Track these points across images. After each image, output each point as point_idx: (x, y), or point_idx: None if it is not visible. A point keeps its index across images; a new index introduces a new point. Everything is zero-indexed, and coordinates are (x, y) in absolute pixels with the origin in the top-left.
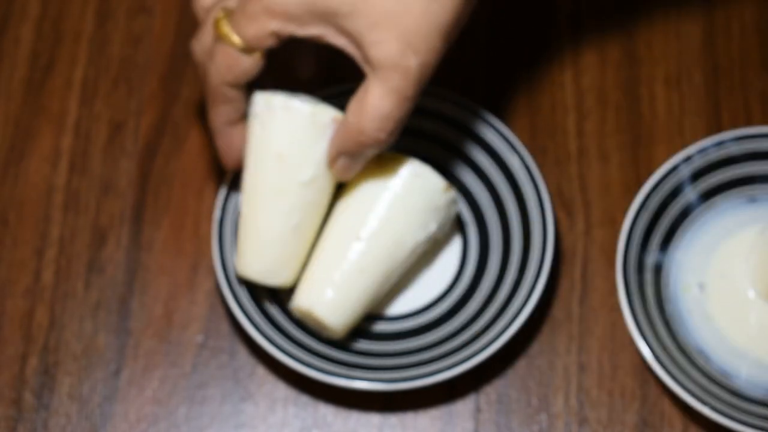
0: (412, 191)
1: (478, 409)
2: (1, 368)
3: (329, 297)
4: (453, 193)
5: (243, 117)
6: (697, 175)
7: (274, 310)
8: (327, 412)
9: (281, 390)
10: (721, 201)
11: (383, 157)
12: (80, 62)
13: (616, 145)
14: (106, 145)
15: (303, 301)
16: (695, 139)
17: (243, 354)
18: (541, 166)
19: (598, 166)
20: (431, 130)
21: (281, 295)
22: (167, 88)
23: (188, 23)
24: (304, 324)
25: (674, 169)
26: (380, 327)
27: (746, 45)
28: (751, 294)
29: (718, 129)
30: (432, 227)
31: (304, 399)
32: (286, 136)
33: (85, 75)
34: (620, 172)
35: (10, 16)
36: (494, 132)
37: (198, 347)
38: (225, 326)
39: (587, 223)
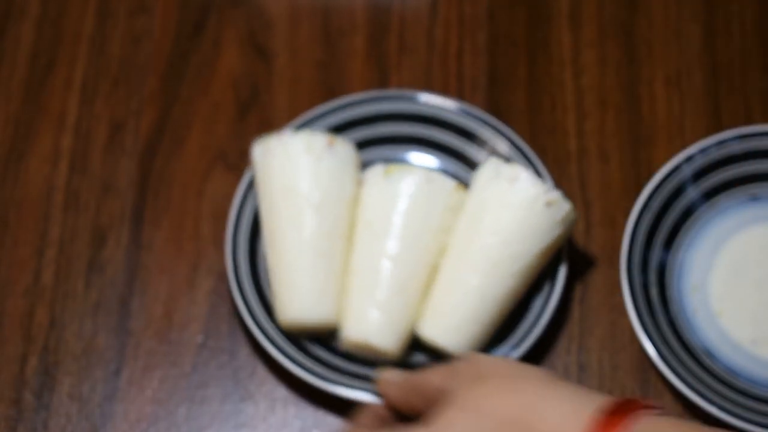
0: (427, 198)
1: None
2: (1, 368)
3: (380, 324)
4: (463, 192)
5: None
6: (699, 175)
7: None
8: (327, 412)
9: (281, 390)
10: (723, 200)
11: (390, 170)
12: (80, 62)
13: (616, 145)
14: (106, 145)
15: (355, 333)
16: (695, 139)
17: (243, 354)
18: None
19: (598, 166)
20: (430, 137)
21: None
22: (167, 88)
23: (188, 23)
24: (351, 354)
25: (676, 168)
26: None
27: (746, 45)
28: (756, 292)
29: (718, 129)
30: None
31: (304, 399)
32: (286, 168)
33: (85, 75)
34: (620, 172)
35: (10, 16)
36: (495, 132)
37: (198, 347)
38: (225, 326)
39: (587, 223)
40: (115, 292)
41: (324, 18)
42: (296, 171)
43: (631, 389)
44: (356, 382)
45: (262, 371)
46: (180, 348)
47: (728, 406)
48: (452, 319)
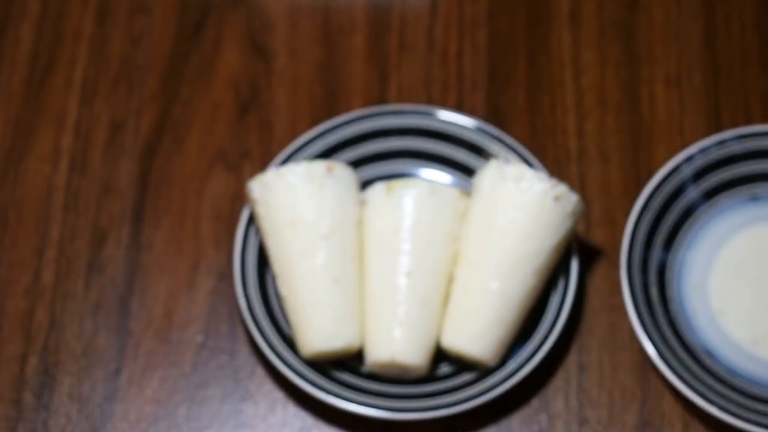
0: (435, 209)
1: (478, 410)
2: (1, 368)
3: (404, 340)
4: (467, 199)
5: None
6: (699, 175)
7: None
8: (327, 412)
9: (281, 390)
10: (723, 200)
11: (392, 187)
12: (80, 62)
13: (616, 145)
14: (106, 145)
15: (380, 353)
16: (695, 139)
17: (243, 354)
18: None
19: (598, 166)
20: (428, 150)
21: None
22: (167, 88)
23: (188, 23)
24: (378, 375)
25: (676, 168)
26: None
27: (746, 45)
28: (756, 292)
29: (718, 129)
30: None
31: (304, 399)
32: (289, 201)
33: (85, 75)
34: (620, 172)
35: (10, 16)
36: (493, 139)
37: (198, 347)
38: (225, 326)
39: (587, 223)
40: (115, 292)
41: (324, 18)
42: (301, 203)
43: (631, 389)
44: (355, 395)
45: (261, 371)
46: (180, 348)
47: (728, 405)
48: (476, 325)
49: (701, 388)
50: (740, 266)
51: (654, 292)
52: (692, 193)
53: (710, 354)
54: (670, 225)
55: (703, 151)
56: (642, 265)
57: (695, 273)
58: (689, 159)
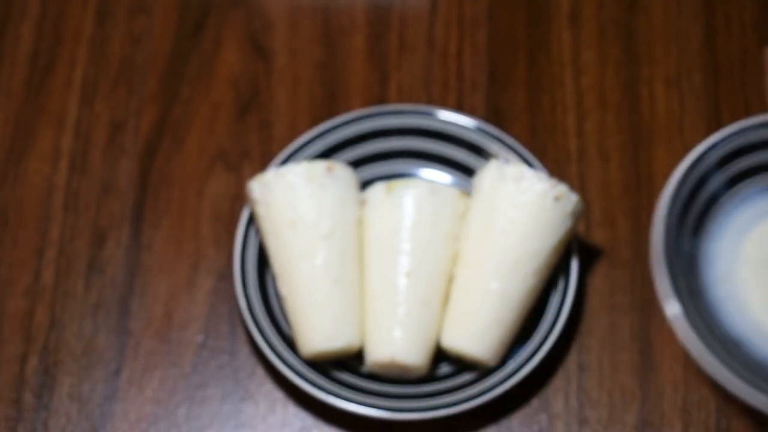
0: (435, 209)
1: (478, 410)
2: (1, 368)
3: (404, 340)
4: (467, 199)
5: None
6: (722, 162)
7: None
8: (327, 412)
9: (281, 390)
10: (745, 188)
11: (392, 186)
12: (80, 62)
13: (616, 145)
14: (106, 145)
15: (380, 353)
16: (695, 139)
17: (243, 354)
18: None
19: (598, 166)
20: (428, 150)
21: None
22: (167, 88)
23: (188, 23)
24: (378, 375)
25: (701, 157)
26: None
27: (746, 45)
28: None
29: (718, 129)
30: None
31: (304, 399)
32: (289, 201)
33: (85, 75)
34: (620, 172)
35: (10, 16)
36: (493, 139)
37: (198, 347)
38: (225, 326)
39: (587, 223)
40: (115, 292)
41: (324, 18)
42: (301, 203)
43: (631, 389)
44: (355, 395)
45: (261, 371)
46: (180, 348)
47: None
48: (476, 325)
49: (737, 378)
50: (766, 256)
51: (683, 283)
52: (716, 180)
53: (742, 344)
54: (696, 214)
55: (725, 139)
56: (672, 255)
57: (723, 263)
58: (714, 146)
